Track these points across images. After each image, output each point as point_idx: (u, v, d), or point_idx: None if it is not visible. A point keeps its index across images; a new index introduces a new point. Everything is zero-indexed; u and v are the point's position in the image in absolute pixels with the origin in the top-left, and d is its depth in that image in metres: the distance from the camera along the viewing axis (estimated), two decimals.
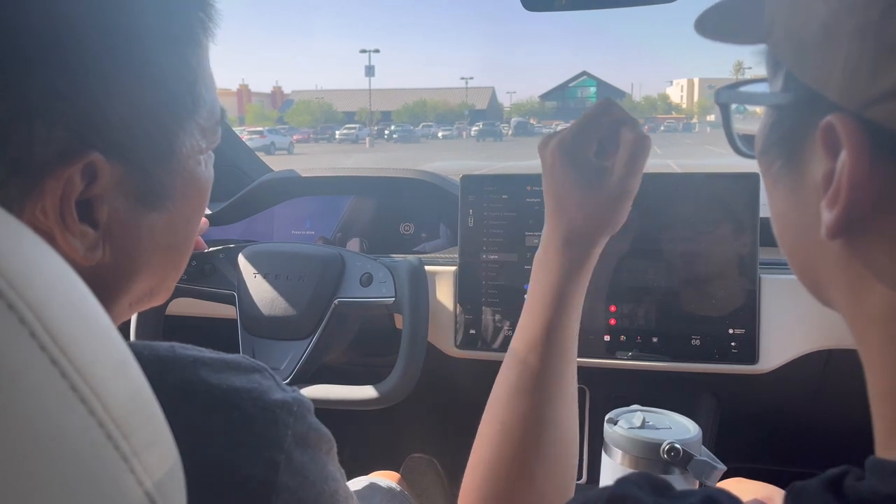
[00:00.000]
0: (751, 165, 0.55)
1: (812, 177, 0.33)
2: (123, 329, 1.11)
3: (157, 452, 0.31)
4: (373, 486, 1.05)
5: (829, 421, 1.27)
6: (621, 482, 0.38)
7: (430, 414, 1.50)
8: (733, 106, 0.46)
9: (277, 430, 0.46)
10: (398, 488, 1.10)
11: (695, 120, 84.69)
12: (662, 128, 67.62)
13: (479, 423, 0.62)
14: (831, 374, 1.10)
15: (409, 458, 1.56)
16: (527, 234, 1.12)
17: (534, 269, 0.64)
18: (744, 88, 0.44)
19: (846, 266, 0.33)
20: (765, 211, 0.54)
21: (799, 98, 0.34)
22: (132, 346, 0.42)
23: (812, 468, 1.46)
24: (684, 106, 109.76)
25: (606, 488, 0.38)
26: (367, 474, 1.11)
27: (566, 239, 0.61)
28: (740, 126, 0.48)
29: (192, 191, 0.51)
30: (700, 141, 42.57)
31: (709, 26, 0.46)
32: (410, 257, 1.09)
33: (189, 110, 0.48)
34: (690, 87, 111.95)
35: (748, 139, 0.47)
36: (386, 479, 1.11)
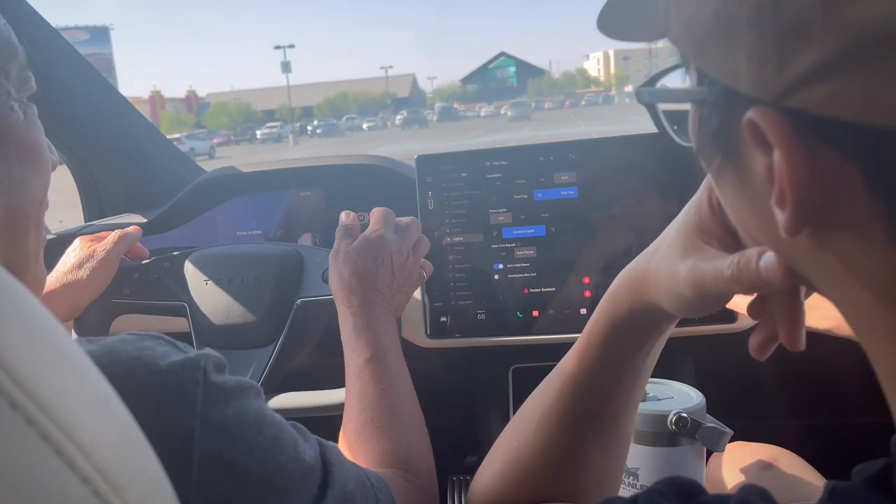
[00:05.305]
0: None
1: (755, 170, 0.30)
2: None
3: None
4: None
5: (799, 370, 1.28)
6: (649, 493, 0.35)
7: None
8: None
9: (183, 392, 0.39)
10: None
11: (613, 92, 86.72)
12: (584, 102, 68.84)
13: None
14: None
15: None
16: (490, 211, 1.08)
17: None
18: (661, 84, 0.41)
19: (819, 258, 0.29)
20: None
21: (715, 93, 0.30)
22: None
23: (786, 418, 1.46)
24: (602, 79, 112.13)
25: (631, 500, 0.35)
26: None
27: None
28: (671, 106, 0.45)
29: (12, 147, 0.43)
30: (621, 112, 43.58)
31: (609, 26, 0.42)
32: None
33: None
34: (606, 60, 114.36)
35: (681, 117, 0.44)
36: None
